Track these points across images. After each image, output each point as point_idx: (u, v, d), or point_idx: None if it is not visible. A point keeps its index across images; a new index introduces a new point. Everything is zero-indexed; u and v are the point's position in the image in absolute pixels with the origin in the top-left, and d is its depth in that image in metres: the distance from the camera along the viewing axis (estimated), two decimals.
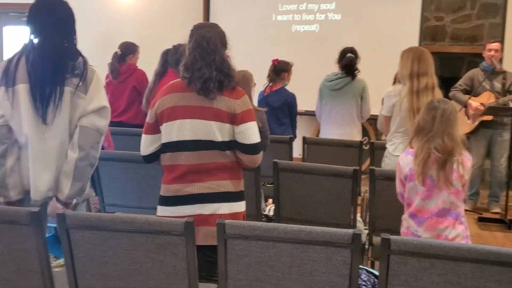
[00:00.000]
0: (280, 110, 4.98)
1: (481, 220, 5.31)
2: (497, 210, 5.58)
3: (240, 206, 2.52)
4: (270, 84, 4.99)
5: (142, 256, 2.12)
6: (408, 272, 1.97)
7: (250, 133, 2.46)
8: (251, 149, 2.47)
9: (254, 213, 3.41)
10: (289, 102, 4.99)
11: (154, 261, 2.12)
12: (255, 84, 3.70)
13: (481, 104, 5.42)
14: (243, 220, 2.53)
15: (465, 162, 2.66)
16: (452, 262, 1.92)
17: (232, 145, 2.48)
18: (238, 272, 2.08)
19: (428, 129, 2.67)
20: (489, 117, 5.40)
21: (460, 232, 2.68)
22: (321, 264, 2.01)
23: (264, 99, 4.98)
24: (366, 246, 3.36)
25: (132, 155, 3.33)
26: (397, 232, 2.85)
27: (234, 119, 2.43)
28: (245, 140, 2.45)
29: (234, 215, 2.46)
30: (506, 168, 5.37)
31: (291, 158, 4.48)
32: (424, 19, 6.57)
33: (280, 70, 4.97)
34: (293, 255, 2.02)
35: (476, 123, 5.49)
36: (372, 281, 2.39)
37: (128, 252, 2.12)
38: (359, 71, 4.82)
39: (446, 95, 5.45)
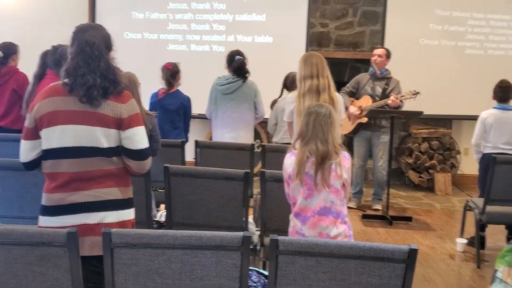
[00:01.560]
0: (175, 113, 4.93)
1: (365, 217, 5.59)
2: (378, 207, 5.92)
3: (128, 214, 2.45)
4: (168, 88, 4.93)
5: (22, 269, 2.00)
6: (296, 271, 2.02)
7: (138, 138, 2.39)
8: (139, 155, 2.40)
9: (145, 220, 3.34)
10: (185, 105, 4.96)
11: (36, 274, 2.01)
12: (140, 83, 3.63)
13: (360, 107, 5.75)
14: (132, 228, 2.46)
15: (343, 162, 2.78)
16: (336, 260, 2.00)
17: (119, 151, 2.40)
18: (125, 281, 2.02)
19: (304, 134, 2.77)
20: (364, 120, 5.73)
21: (342, 231, 2.79)
22: (211, 268, 2.01)
23: (158, 102, 4.90)
24: (258, 247, 3.41)
25: (11, 162, 3.13)
26: (287, 232, 2.93)
27: (121, 124, 2.36)
28: (132, 145, 2.38)
29: (122, 224, 2.38)
30: (386, 168, 5.70)
31: (183, 162, 4.45)
32: (310, 25, 6.82)
33: (175, 73, 4.92)
34: (183, 261, 2.00)
35: (354, 125, 5.80)
36: (263, 282, 2.43)
37: (6, 265, 2.00)
38: (249, 73, 4.88)
39: None
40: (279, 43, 6.78)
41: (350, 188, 2.95)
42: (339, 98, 3.70)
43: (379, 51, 5.82)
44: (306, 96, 3.59)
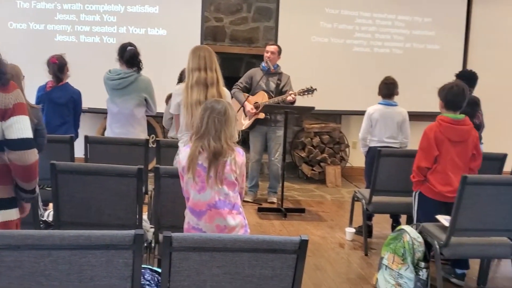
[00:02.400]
0: (65, 107, 4.73)
1: (260, 210, 5.69)
2: (274, 200, 6.05)
3: (11, 214, 2.31)
4: (56, 82, 4.70)
5: None
6: (190, 267, 2.01)
7: (19, 126, 2.25)
8: (20, 144, 2.25)
9: (31, 220, 3.16)
10: (75, 99, 4.76)
11: None
12: (24, 76, 3.45)
13: (256, 102, 5.84)
14: (16, 228, 2.32)
15: (237, 158, 2.79)
16: (230, 253, 2.02)
17: (3, 145, 2.25)
18: (9, 285, 1.91)
19: (199, 129, 2.76)
20: (262, 115, 5.83)
21: (239, 222, 2.81)
22: (101, 269, 1.95)
23: (46, 95, 4.67)
24: (153, 245, 3.36)
25: None
26: (183, 228, 2.90)
27: (5, 115, 2.21)
28: (13, 134, 2.23)
29: (4, 224, 2.24)
30: (281, 162, 5.84)
31: (72, 159, 4.27)
32: (204, 19, 6.80)
33: (62, 66, 4.70)
34: (71, 262, 1.92)
35: (251, 120, 5.89)
36: (156, 280, 2.39)
37: None
38: (142, 64, 4.76)
39: None
40: (173, 36, 6.69)
41: (244, 183, 2.97)
42: (227, 93, 3.72)
43: (272, 48, 5.94)
44: (194, 89, 3.57)
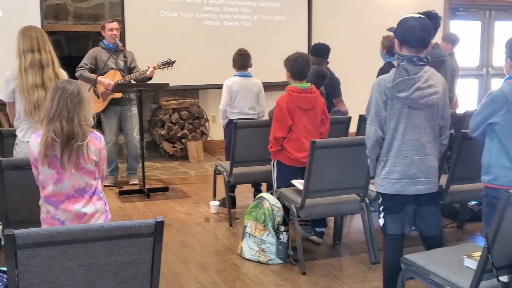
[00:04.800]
0: None
1: (122, 193, 5.53)
2: (135, 181, 5.92)
3: None
4: None
5: None
6: (40, 263, 1.90)
7: None
8: None
9: None
10: None
11: None
12: None
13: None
14: None
15: (93, 144, 2.68)
16: (82, 245, 1.93)
17: None
18: None
19: (49, 111, 2.59)
20: (118, 95, 5.62)
21: (99, 208, 2.72)
22: None
23: None
24: (3, 243, 3.13)
25: None
26: (38, 221, 2.73)
27: None
28: None
29: None
30: (139, 141, 5.70)
31: None
32: None
33: None
34: None
35: (107, 101, 5.66)
36: (6, 280, 2.23)
37: None
38: None
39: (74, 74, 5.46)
40: (10, 18, 6.15)
41: (105, 166, 2.85)
42: (64, 74, 3.56)
43: (115, 24, 5.70)
44: (29, 71, 3.38)
